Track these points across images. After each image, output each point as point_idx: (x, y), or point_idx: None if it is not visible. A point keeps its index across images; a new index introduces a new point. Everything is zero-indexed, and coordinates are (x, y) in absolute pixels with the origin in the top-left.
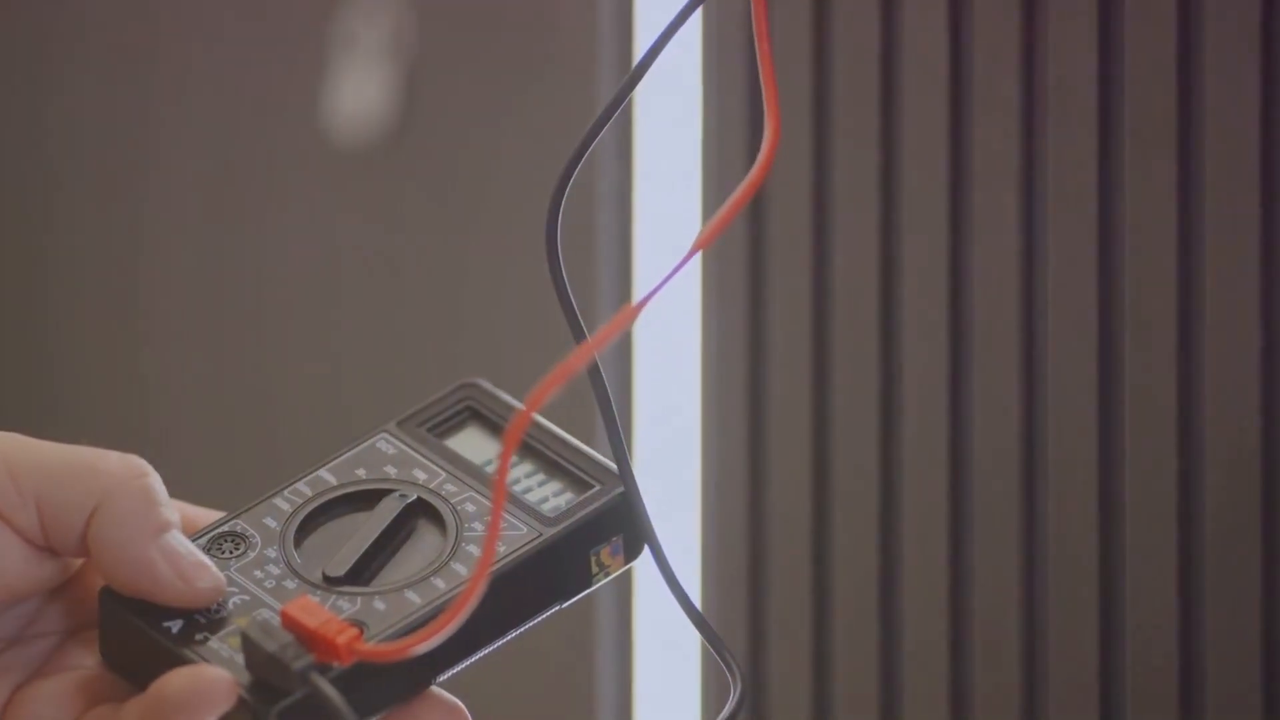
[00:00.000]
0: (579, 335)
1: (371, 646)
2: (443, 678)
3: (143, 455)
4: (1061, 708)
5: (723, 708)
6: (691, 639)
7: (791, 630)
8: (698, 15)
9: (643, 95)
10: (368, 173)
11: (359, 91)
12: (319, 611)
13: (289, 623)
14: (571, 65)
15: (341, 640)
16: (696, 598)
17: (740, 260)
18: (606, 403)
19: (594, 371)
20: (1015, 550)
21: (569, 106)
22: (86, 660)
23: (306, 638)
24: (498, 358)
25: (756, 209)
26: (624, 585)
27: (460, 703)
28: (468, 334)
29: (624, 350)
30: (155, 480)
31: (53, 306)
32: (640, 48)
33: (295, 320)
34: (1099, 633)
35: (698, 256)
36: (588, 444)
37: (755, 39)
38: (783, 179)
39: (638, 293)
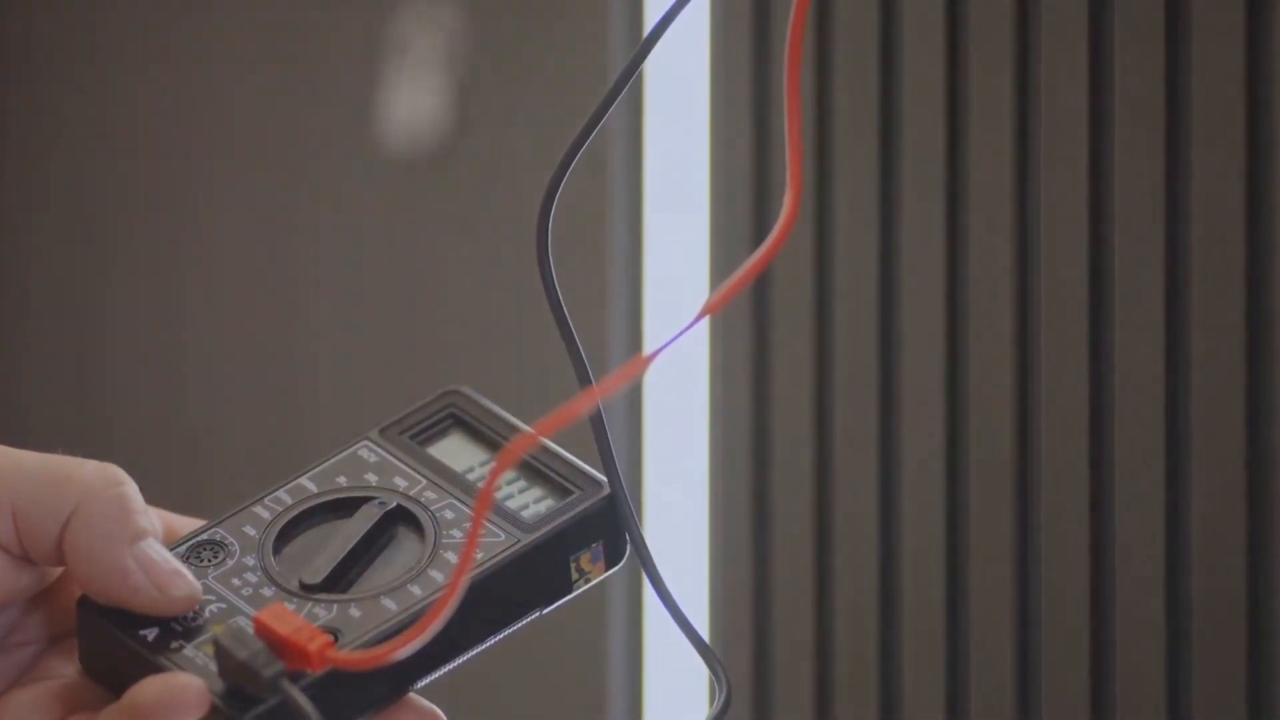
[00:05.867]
0: (572, 347)
1: (343, 654)
2: (421, 684)
3: (180, 458)
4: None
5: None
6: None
7: (795, 652)
8: (706, 20)
9: (652, 96)
10: (419, 180)
11: (411, 100)
12: (291, 618)
13: (261, 630)
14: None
15: (313, 647)
16: (704, 618)
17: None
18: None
19: (581, 369)
20: (1010, 568)
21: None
22: (66, 669)
23: (279, 645)
24: (552, 363)
25: (760, 227)
26: (635, 588)
27: (438, 709)
28: (519, 339)
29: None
30: (131, 488)
31: (100, 307)
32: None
33: (342, 326)
34: (1090, 641)
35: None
36: (585, 455)
37: (787, 120)
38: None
39: (647, 290)
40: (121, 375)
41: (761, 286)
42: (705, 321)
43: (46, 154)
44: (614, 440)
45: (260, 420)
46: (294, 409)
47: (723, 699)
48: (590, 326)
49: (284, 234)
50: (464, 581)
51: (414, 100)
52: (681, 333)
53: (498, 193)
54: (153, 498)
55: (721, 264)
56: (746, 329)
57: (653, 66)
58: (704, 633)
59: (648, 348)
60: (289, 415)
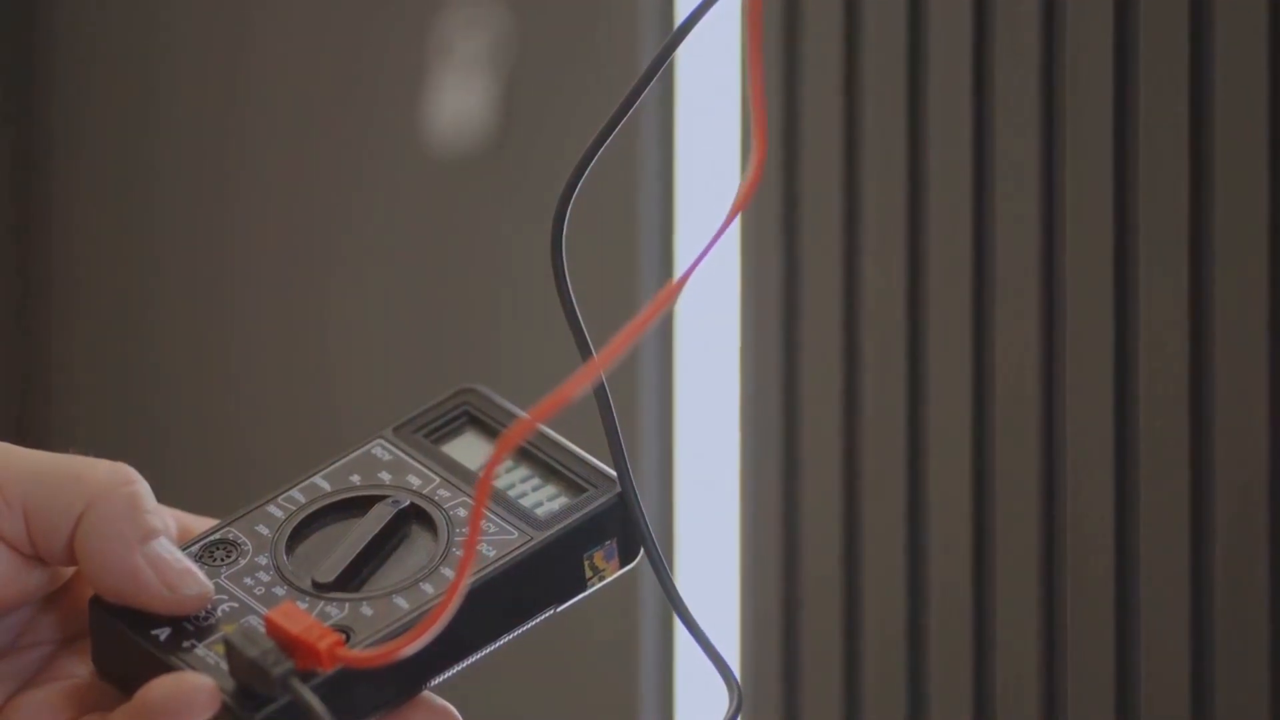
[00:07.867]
0: (582, 343)
1: (354, 652)
2: (435, 682)
3: (214, 454)
4: None
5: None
6: (733, 645)
7: (823, 657)
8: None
9: (682, 77)
10: (462, 180)
11: (455, 100)
12: (302, 617)
13: (272, 629)
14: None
15: (323, 646)
16: (734, 636)
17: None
18: (606, 406)
19: (586, 352)
20: (1036, 593)
21: (649, 114)
22: (79, 669)
23: (289, 644)
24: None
25: (789, 215)
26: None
27: (451, 707)
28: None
29: (665, 377)
30: (142, 487)
31: (143, 302)
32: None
33: (385, 325)
34: (1115, 650)
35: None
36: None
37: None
38: (813, 189)
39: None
40: (159, 369)
41: (791, 289)
42: (737, 323)
43: (94, 153)
44: (635, 438)
45: (299, 417)
46: (339, 407)
47: (734, 706)
48: (617, 318)
49: (328, 233)
50: (466, 579)
51: (458, 100)
52: (643, 322)
53: (538, 193)
54: (178, 494)
55: (752, 247)
56: (777, 326)
57: (683, 47)
58: (734, 635)
59: (677, 345)
60: (333, 414)
